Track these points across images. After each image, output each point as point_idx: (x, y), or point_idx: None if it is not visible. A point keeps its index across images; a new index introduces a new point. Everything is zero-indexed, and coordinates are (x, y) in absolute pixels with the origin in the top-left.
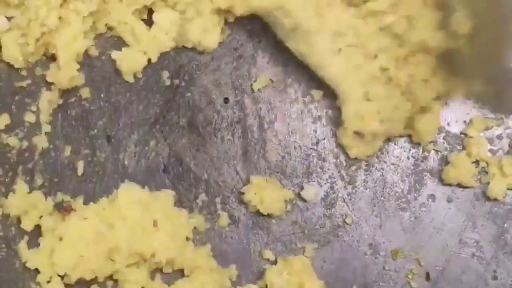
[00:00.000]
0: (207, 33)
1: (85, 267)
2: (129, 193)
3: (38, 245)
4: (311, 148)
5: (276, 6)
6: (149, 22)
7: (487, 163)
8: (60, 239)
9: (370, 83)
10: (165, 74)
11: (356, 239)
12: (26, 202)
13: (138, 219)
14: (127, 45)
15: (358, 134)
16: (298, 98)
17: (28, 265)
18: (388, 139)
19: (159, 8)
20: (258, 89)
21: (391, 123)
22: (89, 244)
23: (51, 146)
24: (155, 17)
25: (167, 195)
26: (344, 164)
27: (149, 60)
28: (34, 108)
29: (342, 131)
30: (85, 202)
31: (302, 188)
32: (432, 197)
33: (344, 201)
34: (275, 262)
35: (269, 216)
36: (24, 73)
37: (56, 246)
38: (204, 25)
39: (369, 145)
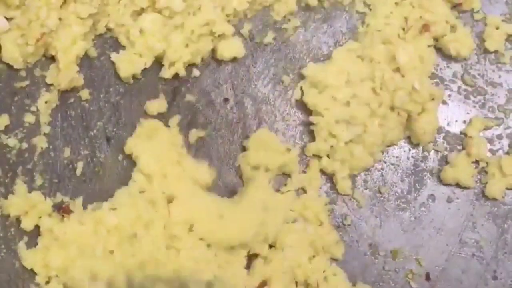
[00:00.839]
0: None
1: (76, 270)
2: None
3: (37, 245)
4: None
5: None
6: None
7: (486, 163)
8: (56, 239)
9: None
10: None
11: (355, 239)
12: (26, 203)
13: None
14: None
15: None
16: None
17: (24, 264)
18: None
19: (147, 12)
20: (258, 89)
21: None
22: (83, 248)
23: (50, 147)
24: (140, 21)
25: None
26: None
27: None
28: (33, 109)
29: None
30: (85, 203)
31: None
32: (432, 197)
33: (344, 201)
34: None
35: None
36: (23, 74)
37: (51, 246)
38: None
39: (366, 159)
